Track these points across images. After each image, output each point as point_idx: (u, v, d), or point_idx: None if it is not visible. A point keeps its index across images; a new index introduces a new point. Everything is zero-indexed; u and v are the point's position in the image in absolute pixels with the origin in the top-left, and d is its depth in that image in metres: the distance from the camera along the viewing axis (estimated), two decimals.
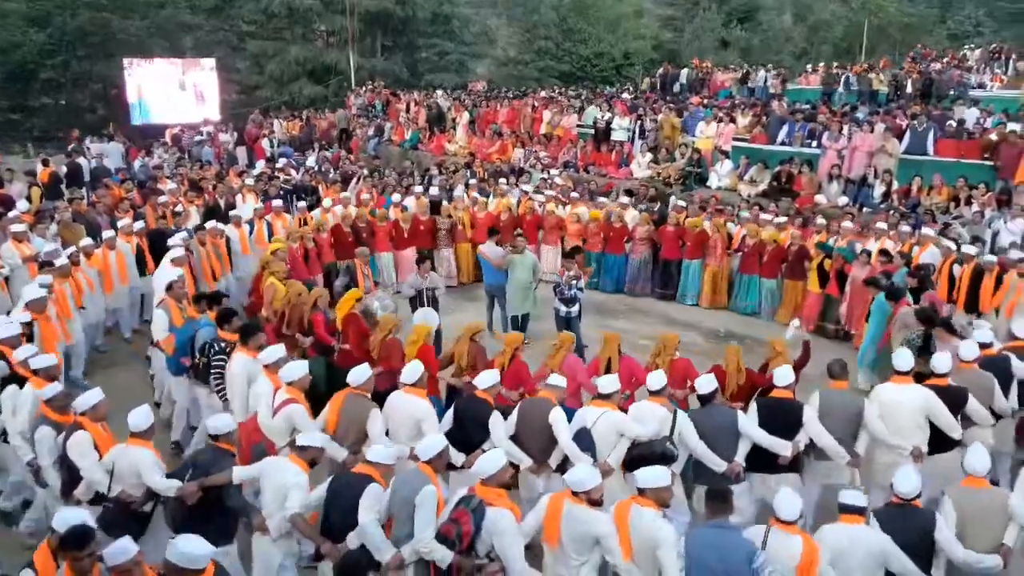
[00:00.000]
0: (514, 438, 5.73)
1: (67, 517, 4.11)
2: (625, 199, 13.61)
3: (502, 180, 15.35)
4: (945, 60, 26.22)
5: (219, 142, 21.33)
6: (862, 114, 16.58)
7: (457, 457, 5.57)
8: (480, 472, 4.52)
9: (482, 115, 21.93)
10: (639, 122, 18.35)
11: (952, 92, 19.81)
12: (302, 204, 14.22)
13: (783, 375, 5.95)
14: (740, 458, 5.65)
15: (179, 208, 12.55)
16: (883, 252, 10.07)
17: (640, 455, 5.39)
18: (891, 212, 12.31)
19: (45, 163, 16.72)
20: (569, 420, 5.68)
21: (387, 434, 5.69)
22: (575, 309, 9.47)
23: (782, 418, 5.74)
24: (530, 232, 12.58)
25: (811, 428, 5.70)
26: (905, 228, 11.00)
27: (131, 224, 10.77)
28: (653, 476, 4.43)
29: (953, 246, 10.14)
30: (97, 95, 31.39)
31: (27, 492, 6.31)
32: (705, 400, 5.88)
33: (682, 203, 12.83)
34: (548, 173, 16.42)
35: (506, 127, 20.59)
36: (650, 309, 11.95)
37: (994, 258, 9.50)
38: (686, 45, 45.44)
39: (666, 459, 5.34)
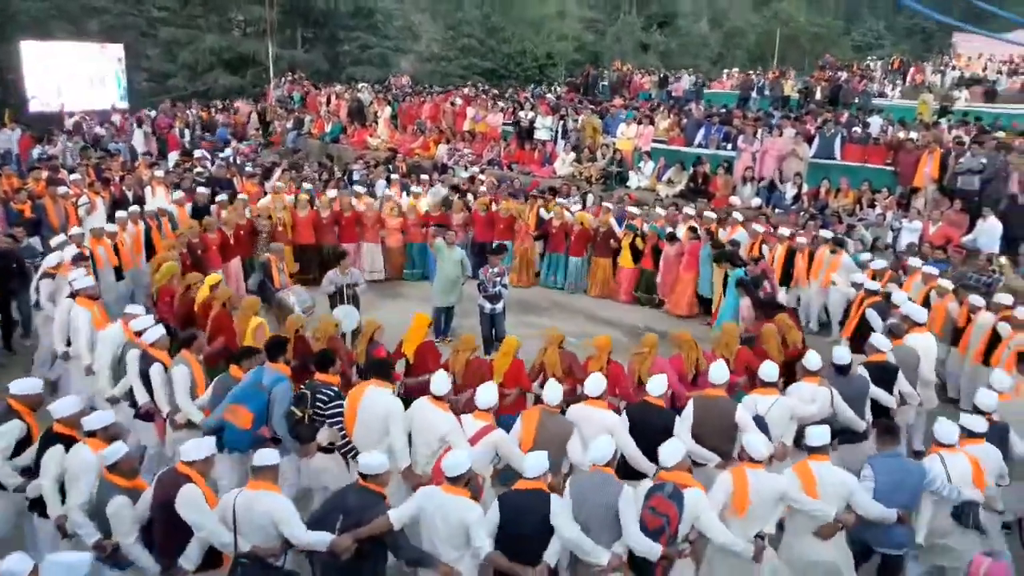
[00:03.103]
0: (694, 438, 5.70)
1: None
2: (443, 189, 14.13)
3: (424, 176, 15.28)
4: (851, 70, 27.51)
5: (127, 132, 20.39)
6: (775, 119, 17.22)
7: (649, 467, 5.37)
8: (665, 462, 4.68)
9: (405, 110, 21.73)
10: (562, 122, 18.55)
11: (856, 100, 20.78)
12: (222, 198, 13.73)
13: (882, 342, 6.88)
14: (870, 416, 6.39)
15: (84, 200, 11.95)
16: (691, 229, 11.66)
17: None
18: (801, 213, 12.83)
19: None
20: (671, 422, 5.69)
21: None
22: (499, 306, 9.48)
23: (885, 377, 6.67)
24: (349, 229, 12.51)
25: (901, 383, 6.74)
26: (710, 214, 12.33)
27: None
28: (823, 434, 5.05)
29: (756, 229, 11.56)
30: None
31: None
32: (843, 371, 6.43)
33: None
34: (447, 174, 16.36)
35: (429, 123, 20.46)
36: (572, 306, 12.07)
37: (805, 240, 10.92)
38: (607, 47, 46.28)
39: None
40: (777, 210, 13.67)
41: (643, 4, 50.87)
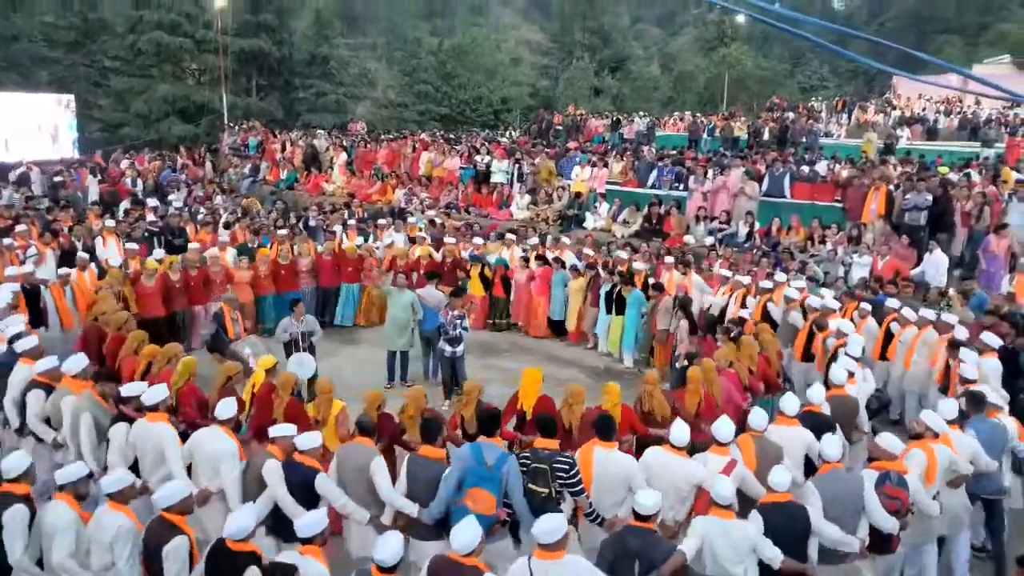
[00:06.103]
0: None
1: None
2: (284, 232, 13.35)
3: (381, 221, 15.23)
4: (797, 111, 28.41)
5: (76, 183, 19.94)
6: (726, 159, 17.58)
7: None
8: (887, 451, 5.50)
9: (361, 156, 21.74)
10: (517, 165, 18.73)
11: (804, 140, 21.37)
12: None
13: (848, 326, 8.49)
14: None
15: (32, 252, 11.61)
16: (539, 257, 12.61)
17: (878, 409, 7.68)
18: (754, 251, 13.04)
19: None
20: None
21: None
22: (460, 349, 9.37)
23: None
24: (197, 289, 11.25)
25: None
26: (550, 238, 13.72)
27: None
28: (953, 408, 6.20)
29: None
30: None
31: None
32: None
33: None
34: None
35: (386, 168, 20.49)
36: (534, 347, 12.02)
37: (642, 264, 11.78)
38: (561, 92, 47.18)
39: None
40: (730, 248, 13.86)
41: (595, 50, 52.12)
